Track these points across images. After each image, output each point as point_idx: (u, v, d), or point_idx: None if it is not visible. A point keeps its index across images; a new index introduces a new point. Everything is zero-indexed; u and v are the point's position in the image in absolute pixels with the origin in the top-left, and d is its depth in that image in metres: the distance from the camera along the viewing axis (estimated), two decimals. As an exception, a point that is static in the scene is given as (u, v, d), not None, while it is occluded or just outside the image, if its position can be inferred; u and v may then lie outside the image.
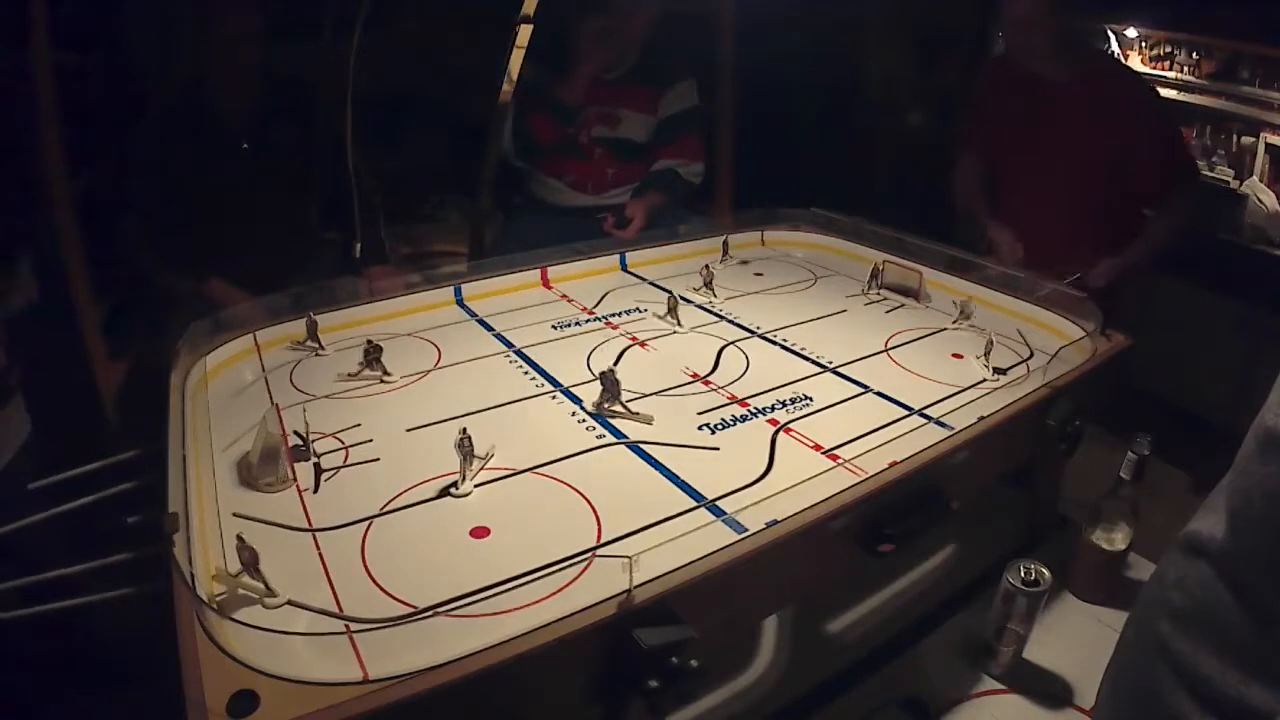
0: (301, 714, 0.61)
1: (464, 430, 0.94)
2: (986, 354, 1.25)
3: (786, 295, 1.59)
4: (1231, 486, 0.54)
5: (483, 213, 2.01)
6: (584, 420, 1.11)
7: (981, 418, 1.06)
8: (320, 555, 0.83)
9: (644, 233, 2.10)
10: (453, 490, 0.94)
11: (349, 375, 1.20)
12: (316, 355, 1.29)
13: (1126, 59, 2.75)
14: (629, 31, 2.16)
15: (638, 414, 1.11)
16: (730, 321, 1.45)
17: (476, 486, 0.95)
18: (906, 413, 1.13)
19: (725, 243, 1.78)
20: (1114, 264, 1.85)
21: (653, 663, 0.70)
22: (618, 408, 1.11)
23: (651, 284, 1.64)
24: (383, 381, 1.20)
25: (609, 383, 1.11)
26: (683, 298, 1.56)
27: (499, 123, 1.91)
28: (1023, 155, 1.98)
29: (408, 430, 1.08)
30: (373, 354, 1.20)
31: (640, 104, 2.25)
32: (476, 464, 0.96)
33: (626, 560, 0.72)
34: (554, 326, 1.42)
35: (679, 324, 1.41)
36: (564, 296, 1.57)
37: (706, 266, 1.57)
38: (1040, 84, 1.88)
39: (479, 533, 0.87)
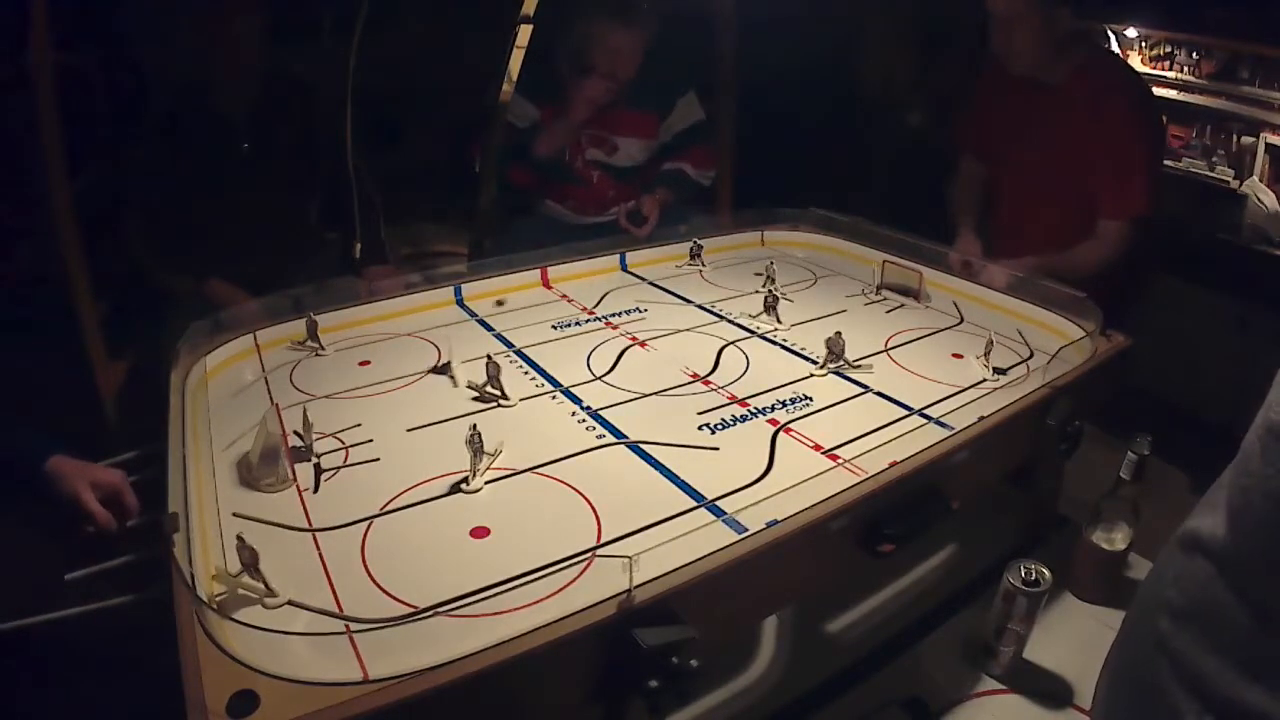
0: (301, 714, 0.61)
1: (474, 427, 0.94)
2: (986, 354, 1.25)
3: (786, 295, 1.59)
4: (1233, 485, 0.54)
5: (483, 213, 2.01)
6: (584, 420, 1.11)
7: (981, 418, 1.06)
8: (320, 555, 0.83)
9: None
10: (464, 486, 0.94)
11: (473, 393, 1.16)
12: (316, 355, 1.29)
13: (1126, 59, 2.74)
14: (625, 69, 2.03)
15: (859, 366, 1.24)
16: (730, 321, 1.45)
17: (477, 486, 0.95)
18: (906, 413, 1.13)
19: (696, 246, 1.76)
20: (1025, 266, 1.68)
21: (653, 663, 0.70)
22: (840, 365, 1.22)
23: (651, 284, 1.64)
24: (500, 405, 1.14)
25: (836, 346, 1.23)
26: (684, 298, 1.56)
27: (498, 122, 1.91)
28: (1016, 163, 1.95)
29: (408, 430, 1.08)
30: (493, 371, 1.14)
31: (638, 129, 2.16)
32: (486, 460, 0.97)
33: (626, 560, 0.72)
34: (554, 326, 1.42)
35: (779, 321, 1.42)
36: (564, 296, 1.57)
37: (769, 282, 1.53)
38: (1030, 87, 1.84)
39: (479, 533, 0.87)
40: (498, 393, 1.14)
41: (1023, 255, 1.78)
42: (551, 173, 2.18)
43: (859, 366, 1.25)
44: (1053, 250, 1.81)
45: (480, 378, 1.15)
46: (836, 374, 1.24)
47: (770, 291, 1.46)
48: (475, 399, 1.15)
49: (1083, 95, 1.77)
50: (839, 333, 1.24)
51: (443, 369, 1.22)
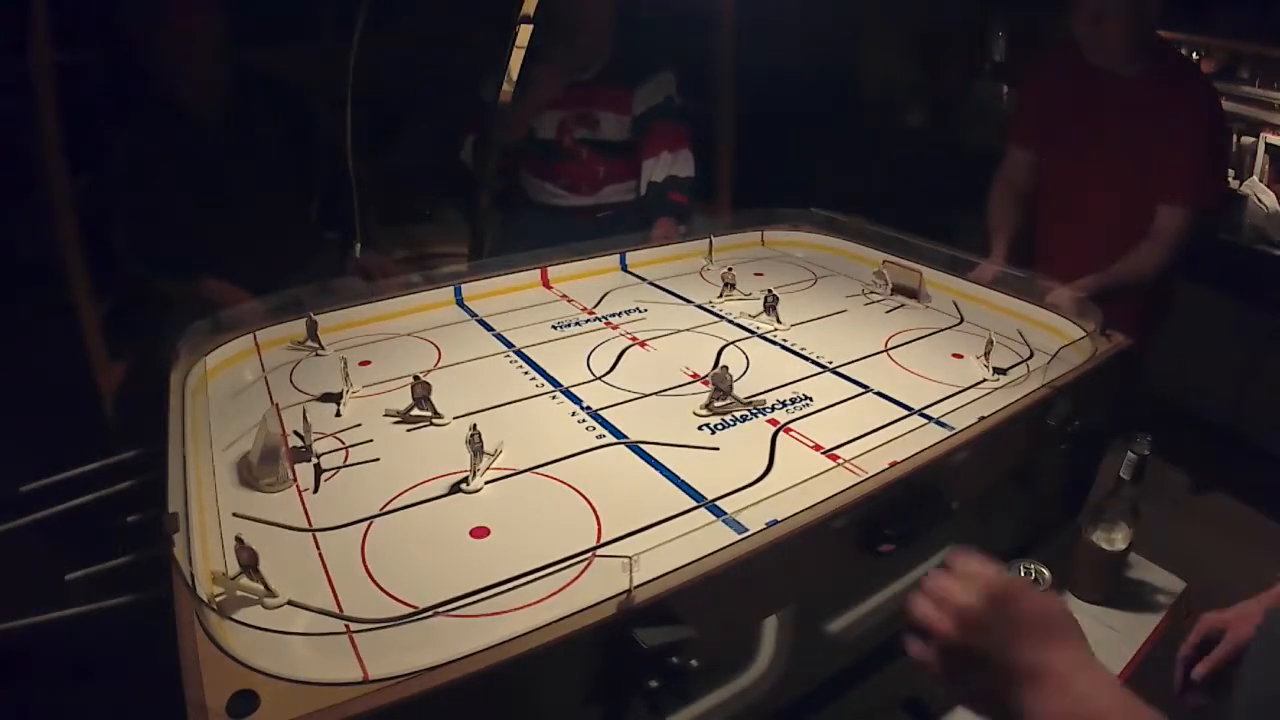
0: (301, 714, 0.61)
1: (474, 427, 0.94)
2: (986, 354, 1.25)
3: (786, 295, 1.58)
4: None
5: (482, 213, 2.01)
6: (584, 420, 1.11)
7: (981, 418, 1.06)
8: (320, 555, 0.83)
9: (642, 234, 2.09)
10: (464, 486, 0.94)
11: (398, 415, 1.10)
12: (316, 355, 1.29)
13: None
14: (592, 29, 2.12)
15: (749, 403, 1.13)
16: (730, 321, 1.45)
17: (477, 487, 0.95)
18: (906, 413, 1.13)
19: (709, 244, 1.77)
20: (1089, 284, 1.64)
21: (653, 663, 0.70)
22: (729, 402, 1.12)
23: (651, 284, 1.64)
24: (433, 424, 1.09)
25: (721, 381, 1.12)
26: (684, 298, 1.56)
27: (498, 122, 1.91)
28: (1077, 151, 1.90)
29: (408, 430, 1.08)
30: (421, 392, 1.09)
31: (615, 105, 2.20)
32: (486, 460, 0.97)
33: (626, 560, 0.72)
34: (554, 326, 1.42)
35: (779, 321, 1.41)
36: (564, 296, 1.57)
37: (730, 269, 1.57)
38: (1105, 79, 1.80)
39: (479, 533, 0.87)
40: (428, 413, 1.09)
41: (1075, 249, 1.77)
42: (542, 152, 2.19)
43: (750, 403, 1.14)
44: (1113, 246, 1.77)
45: (405, 402, 1.10)
46: (723, 414, 1.12)
47: (771, 293, 1.45)
48: (397, 418, 1.10)
49: (1161, 88, 1.75)
50: (725, 367, 1.13)
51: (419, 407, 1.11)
